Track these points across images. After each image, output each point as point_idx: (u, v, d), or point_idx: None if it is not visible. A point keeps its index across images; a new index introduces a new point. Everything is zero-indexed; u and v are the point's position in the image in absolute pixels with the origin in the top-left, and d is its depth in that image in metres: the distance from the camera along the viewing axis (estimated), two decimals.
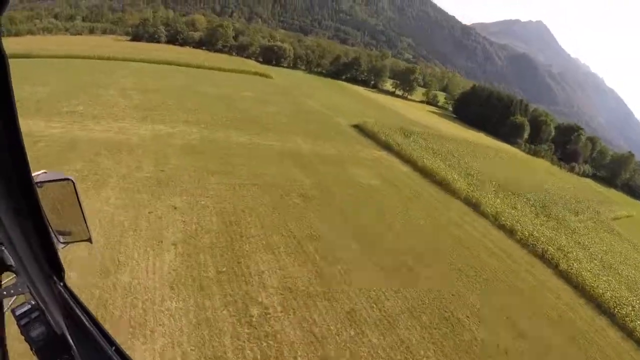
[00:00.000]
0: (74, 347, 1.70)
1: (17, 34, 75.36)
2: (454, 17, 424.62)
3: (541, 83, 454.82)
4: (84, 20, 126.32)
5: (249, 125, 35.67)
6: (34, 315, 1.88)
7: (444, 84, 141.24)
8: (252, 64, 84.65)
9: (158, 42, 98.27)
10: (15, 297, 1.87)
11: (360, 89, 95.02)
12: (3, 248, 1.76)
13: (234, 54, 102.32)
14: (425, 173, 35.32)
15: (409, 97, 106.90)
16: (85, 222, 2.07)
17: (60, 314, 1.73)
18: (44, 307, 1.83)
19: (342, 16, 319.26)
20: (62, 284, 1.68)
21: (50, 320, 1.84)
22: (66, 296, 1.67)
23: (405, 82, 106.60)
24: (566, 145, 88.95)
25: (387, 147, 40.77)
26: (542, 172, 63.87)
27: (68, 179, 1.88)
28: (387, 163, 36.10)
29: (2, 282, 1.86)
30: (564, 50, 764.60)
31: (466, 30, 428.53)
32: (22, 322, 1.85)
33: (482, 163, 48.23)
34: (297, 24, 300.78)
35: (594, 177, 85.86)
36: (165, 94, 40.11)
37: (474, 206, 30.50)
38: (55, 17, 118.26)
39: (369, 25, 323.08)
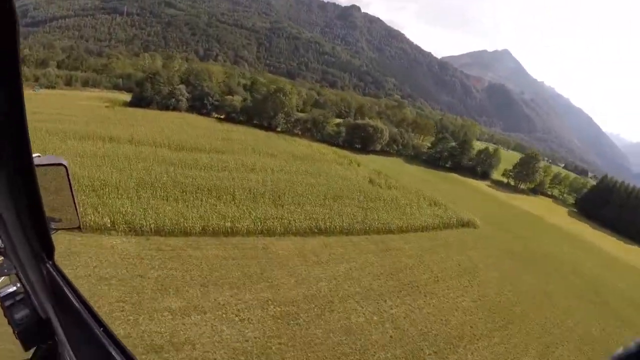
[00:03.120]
0: (60, 331, 1.66)
1: None
2: (430, 53, 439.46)
3: (518, 112, 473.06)
4: (59, 66, 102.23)
5: None
6: (18, 297, 1.84)
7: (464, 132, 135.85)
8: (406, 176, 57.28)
9: (175, 109, 71.25)
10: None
11: (512, 198, 73.08)
12: None
13: (298, 132, 75.73)
14: None
15: (520, 187, 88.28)
16: (76, 209, 2.05)
17: (47, 297, 1.68)
18: (30, 290, 1.78)
19: (327, 58, 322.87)
20: (50, 262, 1.64)
21: (36, 303, 1.79)
22: (55, 275, 1.63)
23: (526, 170, 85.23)
24: None
25: None
26: None
27: (61, 164, 1.83)
28: None
29: None
30: (530, 75, 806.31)
31: (443, 65, 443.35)
32: (6, 303, 1.82)
33: None
34: (284, 67, 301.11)
35: None
36: None
37: None
38: (22, 61, 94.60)
39: (354, 66, 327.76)
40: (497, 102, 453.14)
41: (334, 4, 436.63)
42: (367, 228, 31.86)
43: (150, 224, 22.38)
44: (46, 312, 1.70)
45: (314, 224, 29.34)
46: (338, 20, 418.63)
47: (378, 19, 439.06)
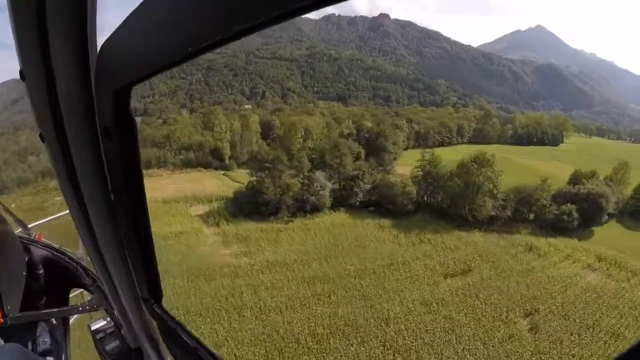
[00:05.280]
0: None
1: None
2: (470, 46, 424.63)
3: (572, 88, 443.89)
4: None
5: None
6: (109, 330, 2.05)
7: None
8: None
9: (316, 209, 50.09)
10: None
11: None
12: (79, 267, 2.04)
13: (506, 217, 49.85)
14: None
15: None
16: None
17: (143, 331, 1.81)
18: (124, 324, 1.92)
19: (372, 73, 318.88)
20: (157, 305, 1.74)
21: (127, 335, 1.94)
22: (165, 318, 1.71)
23: None
24: None
25: None
26: None
27: None
28: None
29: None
30: (569, 46, 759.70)
31: (487, 56, 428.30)
32: (98, 336, 2.01)
33: None
34: (333, 91, 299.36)
35: None
36: None
37: None
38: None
39: (401, 75, 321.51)
40: (548, 83, 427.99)
41: (362, 17, 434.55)
42: None
43: None
44: (137, 342, 1.80)
45: None
46: (370, 33, 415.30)
47: (410, 22, 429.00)
